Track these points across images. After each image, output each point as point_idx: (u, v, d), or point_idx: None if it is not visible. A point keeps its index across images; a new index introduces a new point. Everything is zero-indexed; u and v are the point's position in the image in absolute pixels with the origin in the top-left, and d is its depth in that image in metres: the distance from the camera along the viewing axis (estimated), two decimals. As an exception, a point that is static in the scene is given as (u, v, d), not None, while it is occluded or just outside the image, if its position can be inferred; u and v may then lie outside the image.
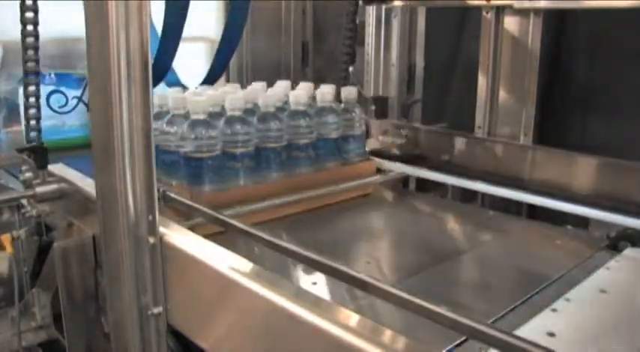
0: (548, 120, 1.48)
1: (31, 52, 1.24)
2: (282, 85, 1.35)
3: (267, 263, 0.91)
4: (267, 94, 1.22)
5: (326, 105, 1.27)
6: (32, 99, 1.26)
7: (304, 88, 1.32)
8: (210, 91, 1.28)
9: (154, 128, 0.99)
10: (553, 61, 1.48)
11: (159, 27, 1.55)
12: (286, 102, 1.26)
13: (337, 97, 1.59)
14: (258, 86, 1.36)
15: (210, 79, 1.68)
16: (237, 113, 1.15)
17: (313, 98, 1.31)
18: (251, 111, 1.20)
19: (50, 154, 1.23)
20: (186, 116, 1.15)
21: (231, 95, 1.18)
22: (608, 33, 1.41)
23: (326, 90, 1.28)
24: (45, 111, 1.37)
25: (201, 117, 1.13)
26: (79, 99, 1.63)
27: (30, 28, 1.22)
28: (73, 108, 1.63)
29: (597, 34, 1.44)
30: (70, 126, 1.66)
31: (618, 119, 1.41)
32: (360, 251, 1.09)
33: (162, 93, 1.27)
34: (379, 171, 1.39)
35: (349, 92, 1.31)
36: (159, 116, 1.20)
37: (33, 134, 1.25)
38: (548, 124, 1.47)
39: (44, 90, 1.51)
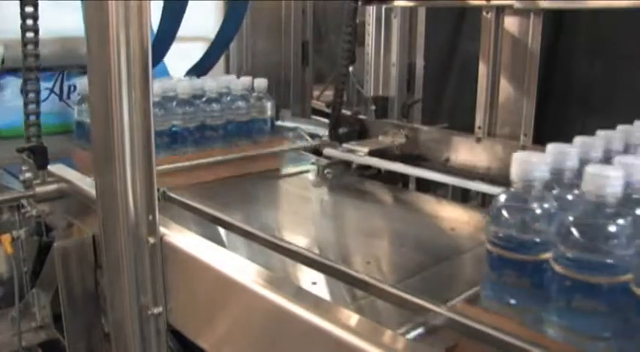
0: (548, 120, 1.47)
1: (31, 59, 1.25)
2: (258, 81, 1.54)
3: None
4: (182, 84, 1.40)
5: (238, 93, 1.46)
6: (32, 106, 1.28)
7: (227, 80, 1.51)
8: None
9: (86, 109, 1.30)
10: (553, 60, 1.48)
11: (156, 26, 1.56)
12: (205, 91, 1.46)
13: (338, 97, 1.59)
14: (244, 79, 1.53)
15: (195, 70, 1.70)
16: (156, 99, 1.32)
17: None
18: (171, 98, 1.38)
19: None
20: None
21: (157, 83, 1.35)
22: (608, 33, 1.41)
23: (239, 82, 1.47)
24: (18, 101, 1.42)
25: None
26: (51, 90, 1.80)
27: (30, 34, 1.24)
28: (45, 99, 1.74)
29: (597, 34, 1.44)
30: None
31: (618, 119, 1.41)
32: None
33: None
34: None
35: (259, 83, 1.50)
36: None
37: (33, 139, 1.27)
38: (547, 124, 1.47)
39: (17, 83, 1.64)
